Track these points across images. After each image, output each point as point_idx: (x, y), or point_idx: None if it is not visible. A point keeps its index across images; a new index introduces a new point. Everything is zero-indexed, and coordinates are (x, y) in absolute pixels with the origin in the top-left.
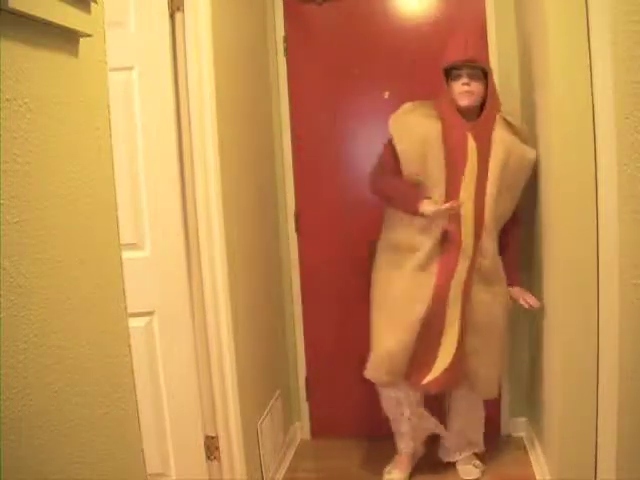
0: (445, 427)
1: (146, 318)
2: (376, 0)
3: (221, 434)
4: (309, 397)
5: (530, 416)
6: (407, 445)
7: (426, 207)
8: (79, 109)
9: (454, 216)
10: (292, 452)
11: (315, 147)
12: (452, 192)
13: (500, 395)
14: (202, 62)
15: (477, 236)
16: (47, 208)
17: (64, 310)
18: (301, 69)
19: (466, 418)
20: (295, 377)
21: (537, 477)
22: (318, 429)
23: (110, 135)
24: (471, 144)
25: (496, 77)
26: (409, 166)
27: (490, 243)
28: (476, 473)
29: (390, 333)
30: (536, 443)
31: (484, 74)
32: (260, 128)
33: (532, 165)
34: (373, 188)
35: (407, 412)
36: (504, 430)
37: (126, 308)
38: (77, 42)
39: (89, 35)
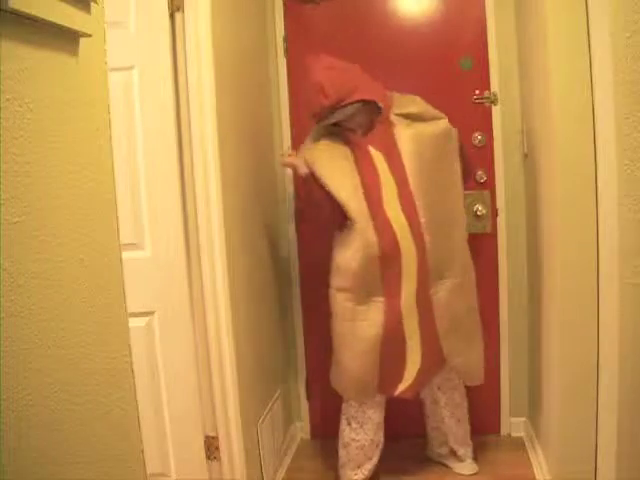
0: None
1: (146, 318)
2: (376, 0)
3: (221, 434)
4: (309, 397)
5: (530, 416)
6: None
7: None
8: (79, 109)
9: (387, 234)
10: (292, 452)
11: None
12: (375, 207)
13: (499, 394)
14: (202, 62)
15: (418, 239)
16: (47, 208)
17: (64, 310)
18: (301, 69)
19: (452, 410)
20: (295, 377)
21: (537, 477)
22: (318, 429)
23: (110, 135)
24: (377, 156)
25: (496, 77)
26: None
27: (436, 234)
28: (475, 467)
29: (351, 355)
30: (536, 443)
31: None
32: (260, 128)
33: (448, 132)
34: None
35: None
36: (504, 430)
37: (126, 308)
38: (77, 42)
39: (89, 35)
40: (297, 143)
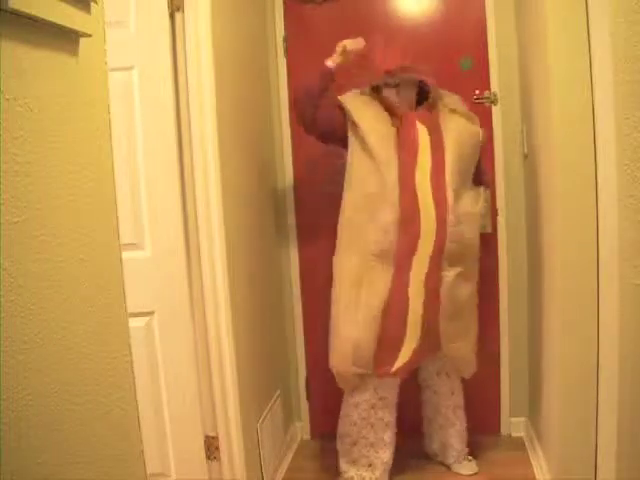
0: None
1: (146, 318)
2: (376, 0)
3: (221, 434)
4: (309, 397)
5: (530, 416)
6: (390, 456)
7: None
8: (79, 109)
9: (411, 205)
10: (292, 452)
11: (315, 147)
12: (405, 176)
13: (499, 394)
14: (202, 62)
15: (440, 220)
16: (47, 208)
17: (64, 310)
18: (301, 69)
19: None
20: (295, 377)
21: (537, 477)
22: (318, 429)
23: (110, 135)
24: (422, 129)
25: (496, 77)
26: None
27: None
28: (474, 466)
29: (352, 322)
30: (536, 443)
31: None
32: (260, 128)
33: (480, 137)
34: (301, 114)
35: (386, 416)
36: (504, 430)
37: (126, 308)
38: (77, 42)
39: (89, 35)
40: (297, 143)
